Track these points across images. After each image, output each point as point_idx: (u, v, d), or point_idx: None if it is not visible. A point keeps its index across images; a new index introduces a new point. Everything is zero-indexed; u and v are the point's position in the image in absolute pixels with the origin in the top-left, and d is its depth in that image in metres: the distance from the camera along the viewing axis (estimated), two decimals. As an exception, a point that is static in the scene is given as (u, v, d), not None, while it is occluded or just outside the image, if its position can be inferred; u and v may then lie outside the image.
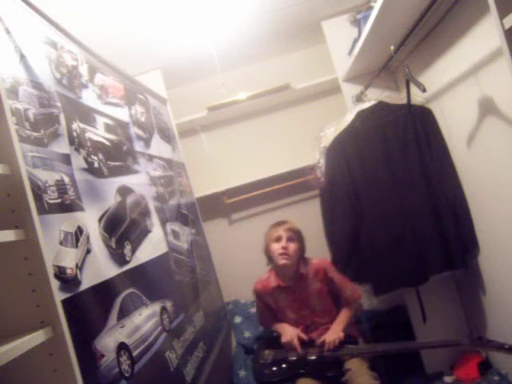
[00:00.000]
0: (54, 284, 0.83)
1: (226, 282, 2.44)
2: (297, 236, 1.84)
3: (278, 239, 1.81)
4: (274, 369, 1.75)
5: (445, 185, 1.82)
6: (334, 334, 1.73)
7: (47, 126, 1.00)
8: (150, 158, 1.72)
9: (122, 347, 1.04)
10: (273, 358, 1.80)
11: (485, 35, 1.37)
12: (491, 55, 1.36)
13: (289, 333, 1.80)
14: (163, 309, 1.38)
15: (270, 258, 1.90)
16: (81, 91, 1.24)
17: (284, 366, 1.74)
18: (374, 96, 2.03)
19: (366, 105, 1.99)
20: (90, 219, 1.07)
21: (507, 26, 0.95)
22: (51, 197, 0.93)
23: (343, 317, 1.83)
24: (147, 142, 1.74)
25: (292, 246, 1.80)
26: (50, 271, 0.83)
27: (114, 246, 1.17)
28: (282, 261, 1.79)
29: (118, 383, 0.98)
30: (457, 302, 2.12)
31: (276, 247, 1.81)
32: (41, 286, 0.82)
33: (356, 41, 2.03)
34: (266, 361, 1.80)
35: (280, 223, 1.89)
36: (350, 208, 1.94)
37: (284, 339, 1.79)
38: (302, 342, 1.78)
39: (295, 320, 1.87)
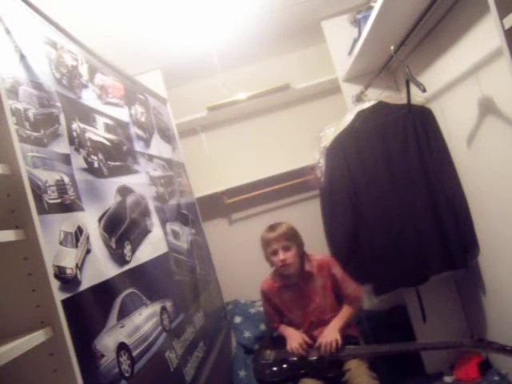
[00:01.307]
0: (54, 284, 0.83)
1: (225, 282, 2.44)
2: (291, 240, 1.80)
3: (275, 253, 1.79)
4: (275, 369, 1.75)
5: (445, 184, 1.82)
6: (329, 335, 1.72)
7: (47, 126, 1.00)
8: (150, 158, 1.72)
9: (121, 347, 1.04)
10: (274, 358, 1.80)
11: (485, 35, 1.37)
12: (491, 55, 1.36)
13: (295, 338, 1.78)
14: (163, 309, 1.38)
15: (272, 265, 1.89)
16: (81, 91, 1.24)
17: (285, 366, 1.74)
18: (374, 96, 2.03)
19: (366, 105, 1.99)
20: (89, 219, 1.07)
21: (507, 26, 0.95)
22: (51, 197, 0.93)
23: (342, 315, 1.82)
24: (147, 142, 1.74)
25: (289, 255, 1.77)
26: (50, 271, 0.83)
27: (114, 246, 1.17)
28: (285, 272, 1.81)
29: (118, 383, 0.98)
30: (457, 302, 2.12)
31: (275, 260, 1.79)
32: (41, 286, 0.82)
33: (356, 41, 2.03)
34: (267, 361, 1.80)
35: (270, 230, 1.83)
36: (349, 208, 1.94)
37: (291, 345, 1.77)
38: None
39: (301, 317, 1.87)
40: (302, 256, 1.86)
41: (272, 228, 1.84)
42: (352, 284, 1.85)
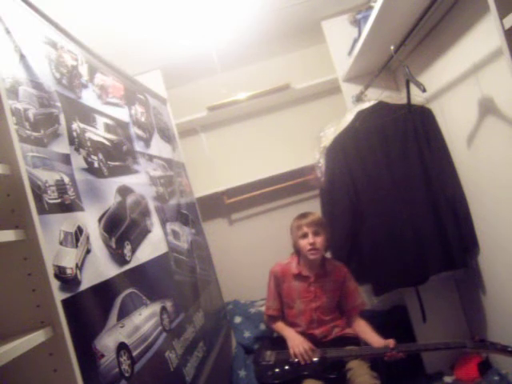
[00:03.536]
0: (54, 284, 0.83)
1: (225, 282, 2.44)
2: (321, 227, 1.86)
3: (305, 236, 1.84)
4: (277, 370, 1.74)
5: (445, 184, 1.82)
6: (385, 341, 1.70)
7: (47, 126, 1.00)
8: (150, 157, 1.72)
9: (121, 347, 1.04)
10: (275, 360, 1.79)
11: (485, 35, 1.37)
12: (491, 55, 1.36)
13: (300, 344, 1.76)
14: (163, 309, 1.38)
15: (298, 251, 1.91)
16: (81, 91, 1.24)
17: (287, 367, 1.74)
18: (374, 96, 2.04)
19: (366, 105, 1.99)
20: (89, 219, 1.07)
21: (507, 26, 0.96)
22: (51, 197, 0.93)
23: (370, 329, 1.81)
24: (147, 142, 1.74)
25: (319, 240, 1.82)
26: (50, 271, 0.83)
27: (114, 245, 1.17)
28: (311, 256, 1.83)
29: (118, 383, 0.98)
30: (457, 301, 2.12)
31: (304, 243, 1.83)
32: (41, 286, 0.82)
33: (356, 41, 2.03)
34: (268, 362, 1.80)
35: (302, 217, 1.89)
36: (349, 208, 1.94)
37: (294, 349, 1.74)
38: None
39: (302, 311, 1.87)
40: (327, 249, 1.91)
41: (304, 215, 1.91)
42: (361, 299, 1.91)
